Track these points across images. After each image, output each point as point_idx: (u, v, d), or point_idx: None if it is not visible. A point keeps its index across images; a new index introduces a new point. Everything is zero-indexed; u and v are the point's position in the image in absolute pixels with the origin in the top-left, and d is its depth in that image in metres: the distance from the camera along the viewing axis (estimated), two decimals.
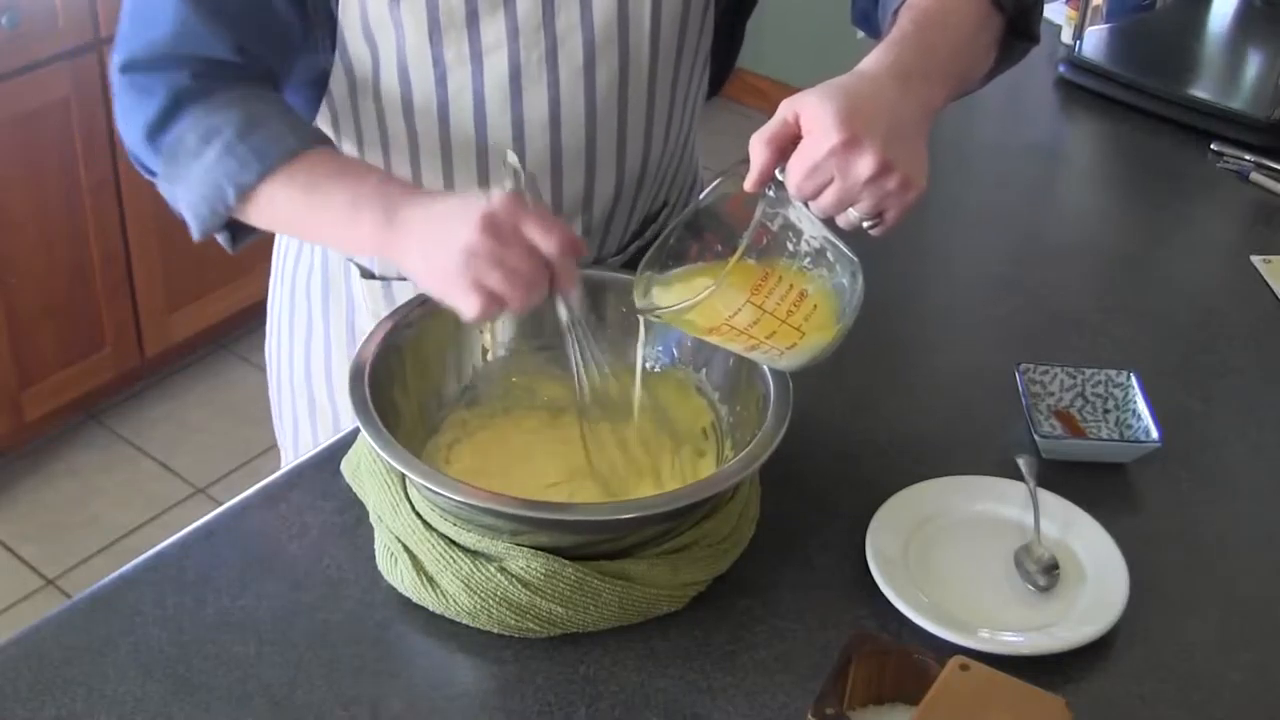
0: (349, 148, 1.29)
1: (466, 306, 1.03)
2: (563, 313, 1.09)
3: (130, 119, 1.16)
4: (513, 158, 1.08)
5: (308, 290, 1.41)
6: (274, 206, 1.14)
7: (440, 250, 1.03)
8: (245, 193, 1.13)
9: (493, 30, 1.18)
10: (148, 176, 1.20)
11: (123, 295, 2.77)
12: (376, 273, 1.35)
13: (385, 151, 1.27)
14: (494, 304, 1.03)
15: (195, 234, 1.18)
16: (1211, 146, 1.82)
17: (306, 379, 1.44)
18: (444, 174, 1.27)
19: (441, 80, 1.20)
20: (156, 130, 1.15)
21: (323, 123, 1.29)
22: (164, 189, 1.18)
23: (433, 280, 1.06)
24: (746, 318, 1.01)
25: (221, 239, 1.20)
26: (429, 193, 1.14)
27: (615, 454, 1.16)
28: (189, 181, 1.15)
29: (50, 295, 2.64)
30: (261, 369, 1.55)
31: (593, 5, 1.19)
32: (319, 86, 1.25)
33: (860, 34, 1.34)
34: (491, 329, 1.20)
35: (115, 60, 1.17)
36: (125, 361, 2.84)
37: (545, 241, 1.02)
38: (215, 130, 1.13)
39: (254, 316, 2.20)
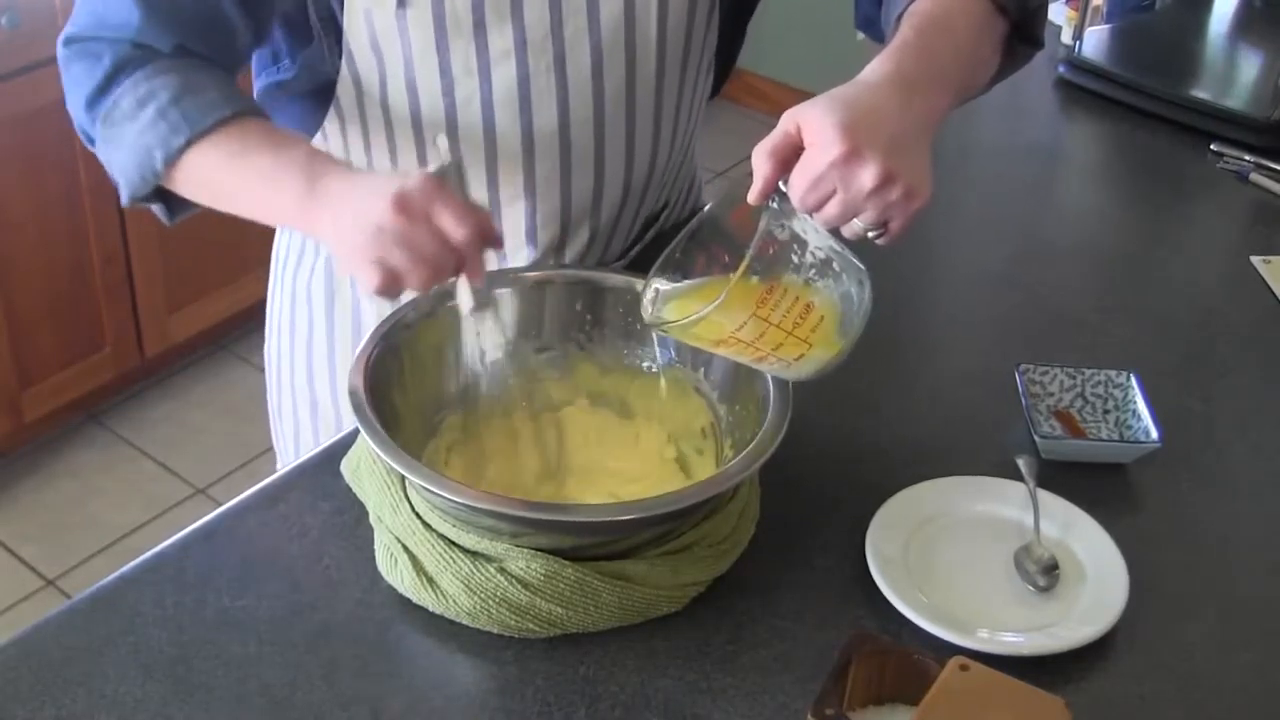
0: (356, 155, 1.29)
1: (366, 280, 1.03)
2: (462, 302, 1.08)
3: (74, 89, 1.17)
4: (443, 142, 1.08)
5: (309, 292, 1.41)
6: (199, 172, 1.13)
7: (351, 223, 1.03)
8: (173, 158, 1.12)
9: (500, 40, 1.18)
10: (89, 147, 1.20)
11: (123, 295, 2.77)
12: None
13: (393, 159, 1.27)
14: (394, 282, 1.02)
15: (124, 200, 1.18)
16: (1211, 147, 1.82)
17: (309, 380, 1.44)
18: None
19: (449, 89, 1.20)
20: (97, 96, 1.15)
21: (330, 131, 1.29)
22: (102, 155, 1.18)
23: (340, 251, 1.06)
24: (753, 330, 1.01)
25: (157, 210, 1.19)
26: (350, 167, 1.13)
27: (603, 455, 1.16)
28: (122, 145, 1.15)
29: (50, 295, 2.65)
30: (261, 369, 1.55)
31: (600, 12, 1.19)
32: (326, 95, 1.25)
33: (862, 36, 1.34)
34: (487, 331, 1.20)
35: (61, 36, 1.17)
36: (125, 362, 2.84)
37: (455, 228, 1.01)
38: (151, 94, 1.13)
39: (254, 317, 2.19)
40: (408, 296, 1.09)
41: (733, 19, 1.33)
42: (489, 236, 1.04)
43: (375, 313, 1.34)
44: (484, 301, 1.09)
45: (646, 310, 1.10)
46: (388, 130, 1.25)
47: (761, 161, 1.01)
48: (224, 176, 1.13)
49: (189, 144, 1.11)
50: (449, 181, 1.05)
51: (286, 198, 1.09)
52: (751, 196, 1.02)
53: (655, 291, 1.11)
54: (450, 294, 1.11)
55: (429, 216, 1.01)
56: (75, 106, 1.18)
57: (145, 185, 1.15)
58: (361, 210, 1.02)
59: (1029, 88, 2.01)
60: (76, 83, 1.17)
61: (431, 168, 1.06)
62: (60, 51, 1.18)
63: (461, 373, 1.20)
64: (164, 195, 1.18)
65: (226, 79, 1.18)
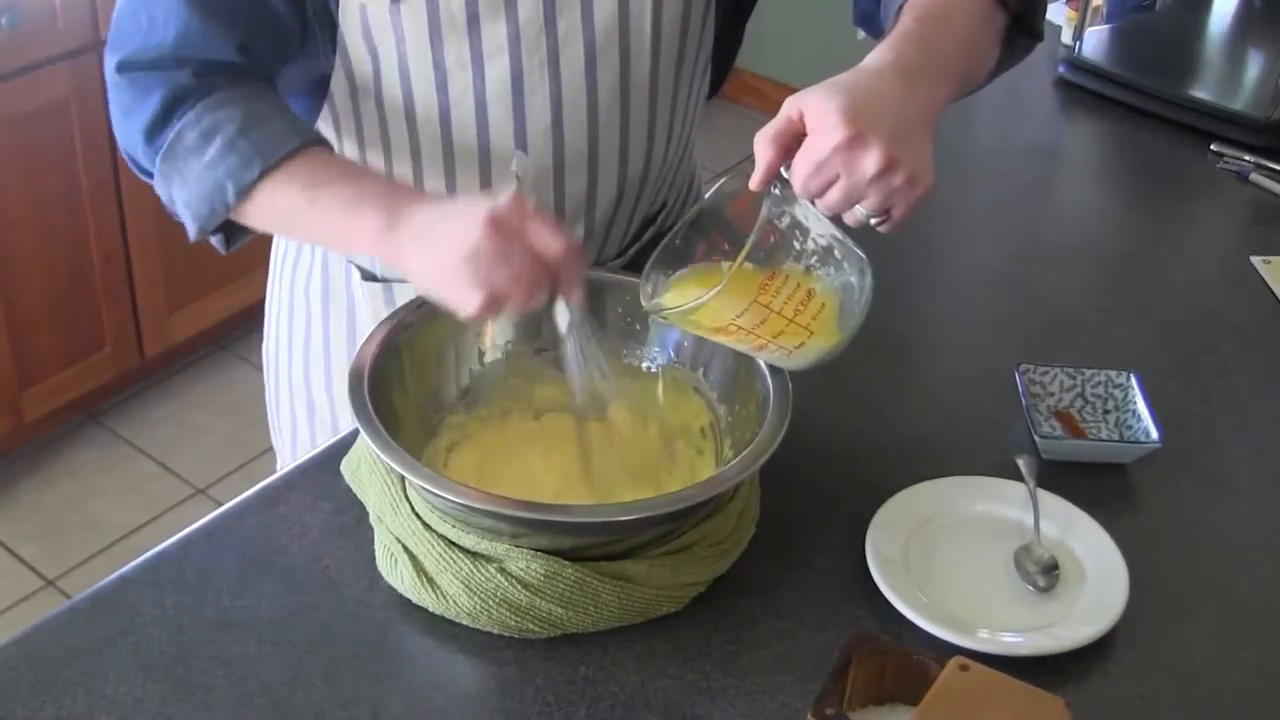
0: (351, 151, 1.29)
1: (468, 303, 1.03)
2: (561, 318, 1.08)
3: (128, 118, 1.16)
4: (518, 162, 1.08)
5: (306, 292, 1.41)
6: (274, 204, 1.13)
7: (445, 249, 1.03)
8: (246, 190, 1.12)
9: (494, 35, 1.18)
10: (143, 178, 1.19)
11: (123, 295, 2.77)
12: (379, 275, 1.35)
13: (387, 155, 1.27)
14: (495, 303, 1.03)
15: (192, 234, 1.17)
16: (1211, 147, 1.82)
17: (305, 381, 1.44)
18: (446, 178, 1.27)
19: (442, 85, 1.20)
20: (156, 128, 1.14)
21: (324, 126, 1.28)
22: (160, 188, 1.17)
23: (436, 279, 1.06)
24: (753, 318, 1.01)
25: (215, 240, 1.19)
26: (432, 195, 1.14)
27: (611, 458, 1.16)
28: (188, 179, 1.14)
29: (50, 295, 2.65)
30: (261, 369, 1.55)
31: (593, 8, 1.19)
32: (320, 90, 1.25)
33: (861, 34, 1.34)
34: (487, 332, 1.20)
35: (111, 60, 1.16)
36: (125, 362, 2.84)
37: (550, 244, 1.02)
38: (216, 127, 1.12)
39: (254, 317, 2.19)
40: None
41: (730, 19, 1.33)
42: (578, 249, 1.05)
43: (371, 315, 1.34)
44: (579, 315, 1.08)
45: (645, 297, 1.10)
46: (381, 125, 1.25)
47: (763, 147, 1.01)
48: (298, 210, 1.13)
49: (262, 176, 1.11)
50: (531, 199, 1.05)
51: (366, 229, 1.09)
52: (753, 182, 1.02)
53: (654, 279, 1.10)
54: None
55: (523, 235, 1.02)
56: (128, 137, 1.17)
57: (215, 219, 1.15)
58: (455, 236, 1.02)
59: (1029, 88, 2.01)
60: (128, 112, 1.15)
61: (512, 186, 1.06)
62: (111, 78, 1.16)
63: (461, 373, 1.20)
64: (225, 226, 1.17)
65: (288, 107, 1.18)
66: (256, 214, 1.15)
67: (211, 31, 1.13)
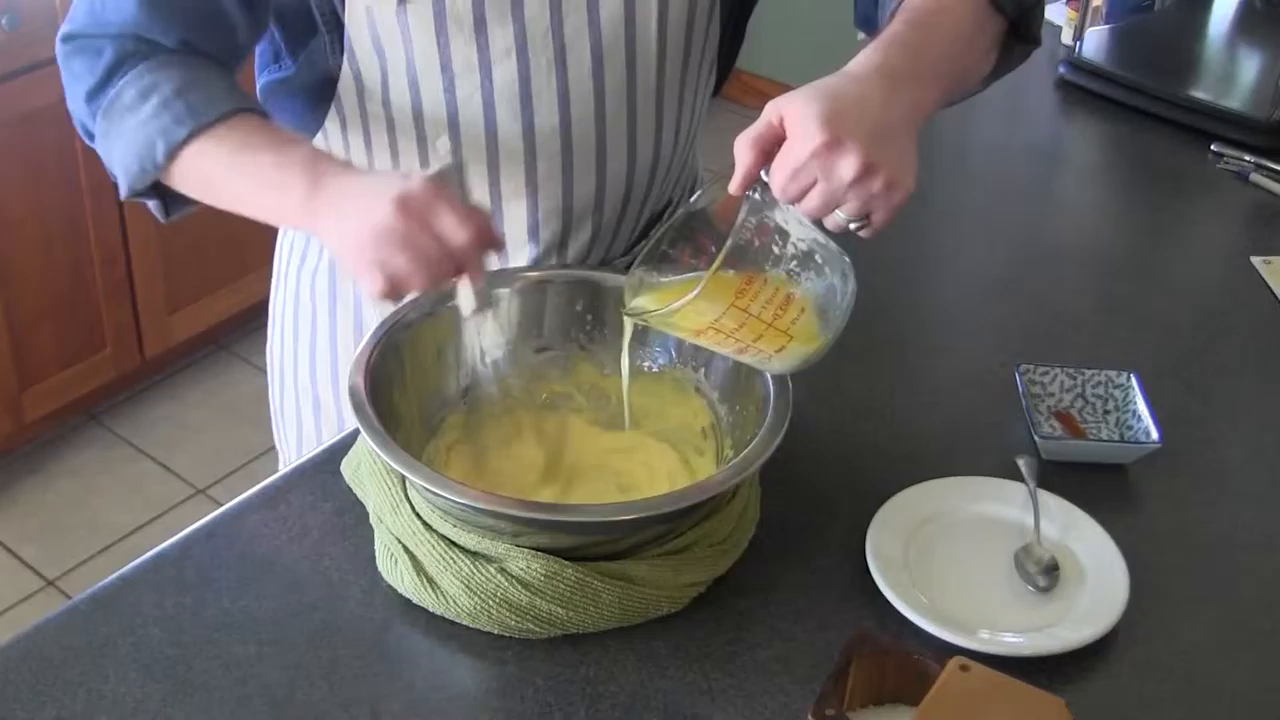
0: (358, 154, 1.29)
1: (369, 285, 1.03)
2: (464, 302, 1.08)
3: (74, 84, 1.17)
4: (444, 144, 1.08)
5: (313, 291, 1.41)
6: (201, 166, 1.13)
7: (353, 225, 1.03)
8: (175, 149, 1.12)
9: (501, 37, 1.18)
10: (89, 143, 1.20)
11: (123, 296, 2.77)
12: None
13: (394, 158, 1.27)
14: (397, 285, 1.03)
15: (123, 192, 1.18)
16: (1211, 147, 1.82)
17: (311, 380, 1.44)
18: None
19: (450, 87, 1.20)
20: (98, 89, 1.15)
21: (331, 128, 1.29)
22: (100, 148, 1.18)
23: (342, 253, 1.06)
24: (731, 321, 1.01)
25: (153, 206, 1.19)
26: (354, 168, 1.13)
27: (597, 457, 1.16)
28: (123, 136, 1.14)
29: (50, 296, 2.65)
30: (262, 370, 1.55)
31: (600, 9, 1.19)
32: (327, 93, 1.25)
33: (861, 35, 1.34)
34: (487, 331, 1.20)
35: (60, 33, 1.17)
36: (125, 362, 2.84)
37: (456, 231, 1.01)
38: (154, 86, 1.13)
39: (254, 317, 2.20)
40: (410, 298, 1.09)
41: (733, 17, 1.33)
42: (489, 239, 1.04)
43: (377, 313, 1.33)
44: (484, 303, 1.08)
45: (627, 300, 1.10)
46: (389, 127, 1.25)
47: (743, 151, 1.01)
48: (225, 173, 1.13)
49: (192, 136, 1.11)
50: (450, 183, 1.05)
51: (289, 198, 1.09)
52: (733, 186, 1.01)
53: (638, 282, 1.11)
54: (451, 294, 1.11)
55: (430, 219, 1.01)
56: (75, 101, 1.18)
57: (145, 177, 1.15)
58: (364, 213, 1.02)
59: (1029, 88, 2.01)
60: (76, 77, 1.17)
61: (432, 170, 1.06)
62: (59, 48, 1.18)
63: (462, 372, 1.20)
64: (162, 192, 1.18)
65: (229, 76, 1.18)
66: (184, 176, 1.15)
67: (155, 25, 1.14)
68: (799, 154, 0.98)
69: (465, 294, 1.07)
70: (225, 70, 1.18)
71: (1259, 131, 1.82)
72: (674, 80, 1.28)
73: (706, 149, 1.48)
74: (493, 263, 1.13)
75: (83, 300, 2.70)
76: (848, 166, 0.97)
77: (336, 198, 1.06)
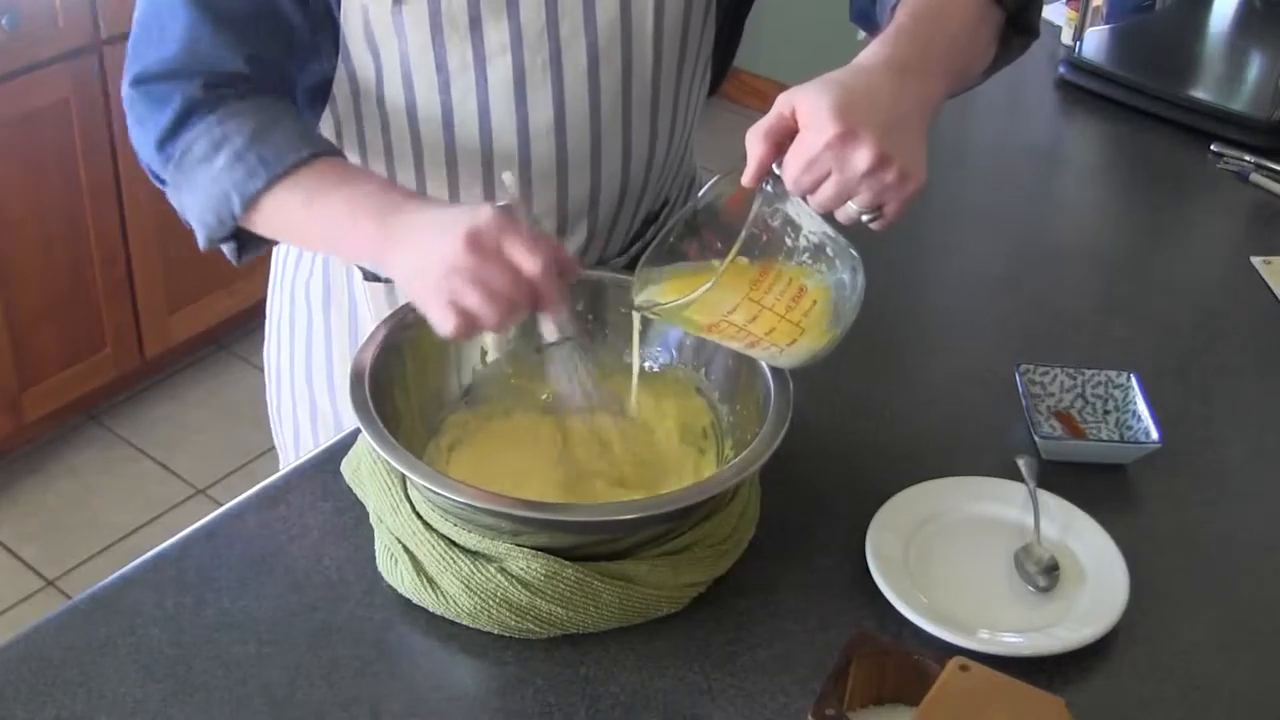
0: (353, 155, 1.29)
1: (441, 323, 1.03)
2: (548, 332, 1.08)
3: (143, 129, 1.17)
4: (509, 178, 1.07)
5: (308, 294, 1.41)
6: (278, 215, 1.14)
7: (423, 262, 1.03)
8: (251, 201, 1.12)
9: (496, 36, 1.18)
10: (160, 186, 1.20)
11: (123, 296, 2.77)
12: (382, 275, 1.35)
13: (389, 158, 1.27)
14: (469, 322, 1.02)
15: (202, 243, 1.18)
16: (1211, 147, 1.82)
17: (307, 382, 1.44)
18: (449, 180, 1.27)
19: (445, 86, 1.20)
20: (168, 138, 1.15)
21: (326, 130, 1.28)
22: (173, 198, 1.18)
23: (414, 292, 1.06)
24: (745, 314, 1.01)
25: (227, 250, 1.19)
26: (424, 202, 1.13)
27: (602, 461, 1.16)
28: (196, 189, 1.15)
29: (50, 296, 2.65)
30: (262, 370, 1.55)
31: (595, 8, 1.19)
32: (322, 94, 1.25)
33: (861, 34, 1.34)
34: (486, 336, 1.20)
35: (127, 75, 1.17)
36: (125, 362, 2.84)
37: (528, 261, 1.01)
38: (225, 138, 1.13)
39: (254, 318, 2.19)
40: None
41: (731, 16, 1.33)
42: (563, 265, 1.04)
43: (373, 315, 1.34)
44: (567, 330, 1.08)
45: (637, 293, 1.10)
46: (383, 127, 1.25)
47: (755, 143, 1.01)
48: (300, 221, 1.14)
49: (267, 188, 1.12)
50: (517, 214, 1.04)
51: (360, 237, 1.09)
52: (745, 178, 1.01)
53: (646, 276, 1.11)
54: None
55: (500, 252, 1.01)
56: (143, 147, 1.18)
57: (223, 229, 1.15)
58: (433, 249, 1.02)
59: (1029, 88, 2.01)
60: (142, 123, 1.16)
61: (500, 202, 1.05)
62: (126, 93, 1.17)
63: (464, 372, 1.20)
64: (237, 234, 1.18)
65: (298, 117, 1.18)
66: (263, 224, 1.16)
67: (220, 42, 1.14)
68: (813, 145, 0.98)
69: (547, 324, 1.07)
70: (294, 112, 1.18)
71: (1259, 131, 1.82)
72: (669, 80, 1.28)
73: (705, 148, 1.48)
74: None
75: (83, 300, 2.70)
76: (862, 157, 0.98)
77: (405, 234, 1.06)
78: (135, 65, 1.17)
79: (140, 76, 1.16)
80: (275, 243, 1.22)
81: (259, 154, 1.12)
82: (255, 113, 1.14)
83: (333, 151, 1.16)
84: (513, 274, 1.01)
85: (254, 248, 1.20)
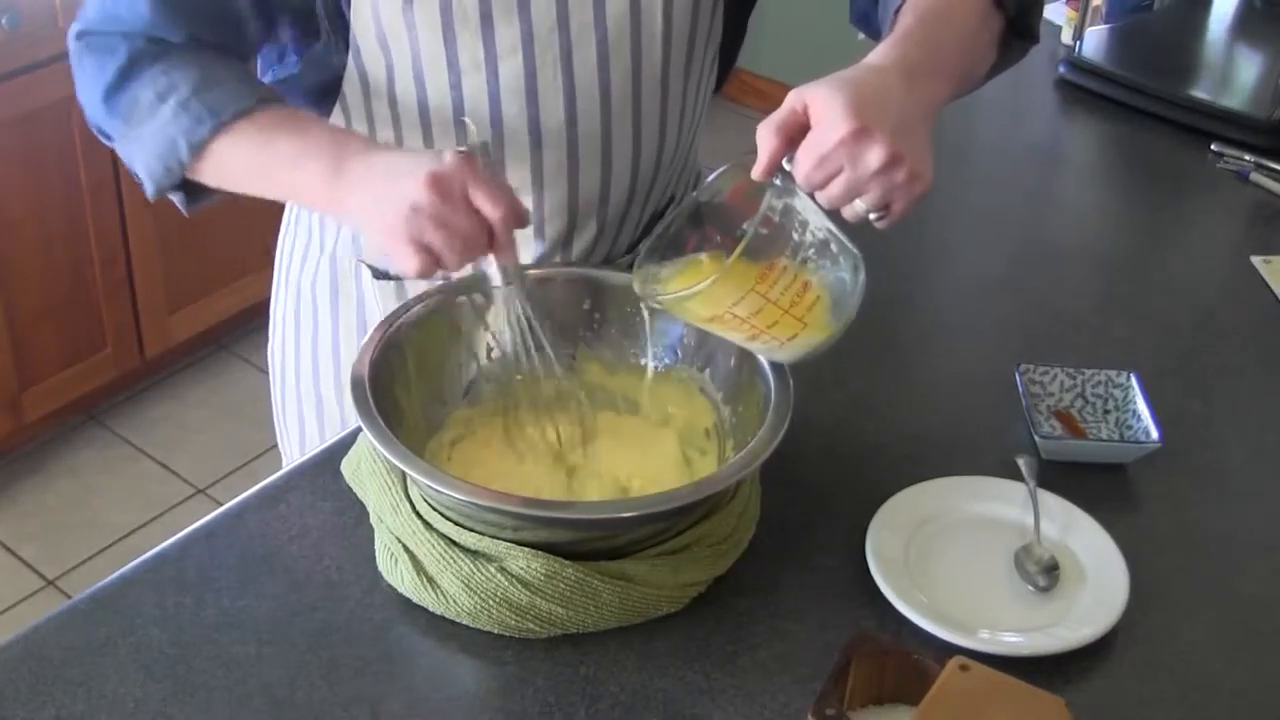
0: None
1: (406, 263, 1.05)
2: (495, 276, 1.10)
3: (88, 84, 1.18)
4: (471, 123, 1.09)
5: (314, 291, 1.40)
6: (226, 162, 1.15)
7: (385, 204, 1.05)
8: (199, 149, 1.14)
9: (507, 34, 1.18)
10: (106, 143, 1.21)
11: (123, 296, 2.77)
12: (392, 273, 1.35)
13: None
14: (433, 262, 1.04)
15: (149, 193, 1.19)
16: (1211, 147, 1.82)
17: (314, 380, 1.44)
18: None
19: (456, 83, 1.21)
20: (113, 91, 1.16)
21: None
22: (120, 150, 1.19)
23: (375, 233, 1.07)
24: (749, 306, 1.02)
25: (177, 199, 1.21)
26: (377, 146, 1.15)
27: (602, 460, 1.16)
28: (144, 139, 1.16)
29: (50, 295, 2.65)
30: (262, 370, 1.55)
31: (605, 7, 1.19)
32: (332, 90, 1.25)
33: (860, 35, 1.34)
34: (491, 328, 1.20)
35: (73, 30, 1.18)
36: (125, 362, 2.84)
37: (490, 206, 1.04)
38: (171, 87, 1.14)
39: (254, 317, 2.20)
40: (417, 289, 1.09)
41: (735, 14, 1.33)
42: (519, 214, 1.06)
43: (381, 312, 1.33)
44: (512, 277, 1.10)
45: (638, 285, 1.10)
46: (394, 124, 1.25)
47: (767, 137, 1.01)
48: (250, 164, 1.15)
49: (213, 134, 1.13)
50: (478, 160, 1.06)
51: (313, 180, 1.11)
52: (756, 172, 1.02)
53: (647, 268, 1.11)
54: (456, 289, 1.11)
55: (463, 195, 1.03)
56: (89, 102, 1.19)
57: (170, 177, 1.17)
58: (395, 190, 1.04)
59: (1029, 88, 2.01)
60: (90, 77, 1.17)
61: (462, 146, 1.07)
62: (72, 45, 1.19)
63: (466, 369, 1.20)
64: (185, 185, 1.19)
65: (243, 68, 1.19)
66: (210, 172, 1.17)
67: (164, 20, 1.15)
68: (826, 141, 0.99)
69: (494, 269, 1.09)
70: (239, 63, 1.20)
71: (1259, 131, 1.82)
72: (678, 75, 1.28)
73: (705, 147, 1.48)
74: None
75: (83, 300, 2.70)
76: (874, 155, 0.98)
77: (363, 177, 1.08)
78: (83, 21, 1.18)
79: (86, 29, 1.17)
80: (224, 192, 1.22)
81: (204, 101, 1.13)
82: (200, 62, 1.16)
83: (278, 99, 1.17)
84: (474, 217, 1.04)
85: (204, 197, 1.21)
